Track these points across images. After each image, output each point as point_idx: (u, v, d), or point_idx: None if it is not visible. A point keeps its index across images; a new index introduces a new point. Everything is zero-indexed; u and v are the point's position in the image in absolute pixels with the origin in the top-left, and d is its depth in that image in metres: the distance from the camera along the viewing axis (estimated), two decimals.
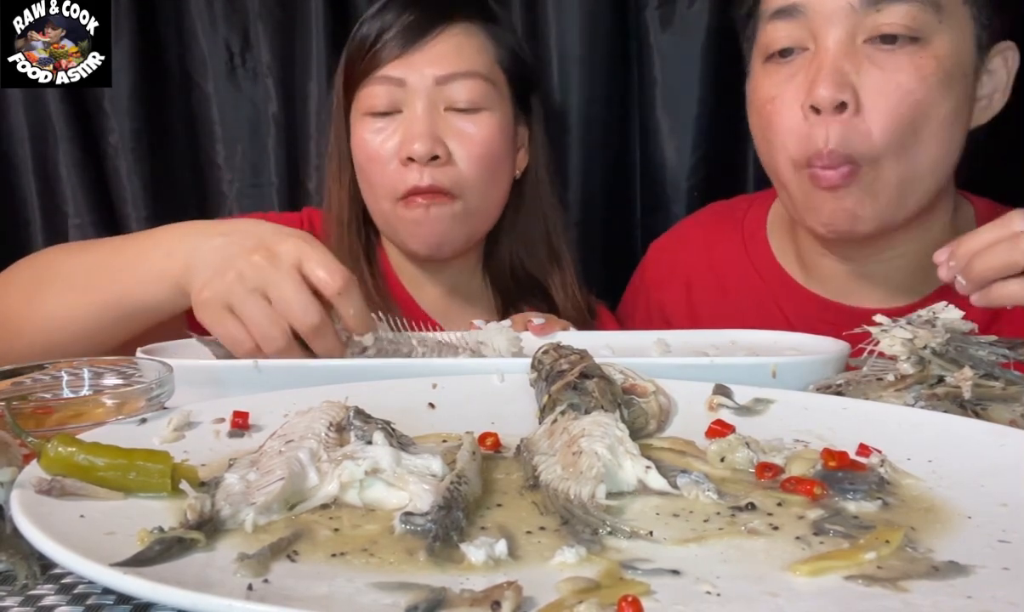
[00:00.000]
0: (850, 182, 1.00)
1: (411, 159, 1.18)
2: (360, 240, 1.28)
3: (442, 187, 1.18)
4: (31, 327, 0.99)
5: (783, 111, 1.04)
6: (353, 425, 0.60)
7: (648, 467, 0.55)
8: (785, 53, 1.04)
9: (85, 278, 0.98)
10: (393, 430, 0.61)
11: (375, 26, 1.22)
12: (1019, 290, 0.78)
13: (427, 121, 1.19)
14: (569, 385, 0.66)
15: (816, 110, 1.00)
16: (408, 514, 0.49)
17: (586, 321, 1.28)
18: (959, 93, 1.01)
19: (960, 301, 0.79)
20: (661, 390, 0.70)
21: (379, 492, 0.53)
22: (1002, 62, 1.05)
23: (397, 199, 1.20)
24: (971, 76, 1.02)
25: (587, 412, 0.62)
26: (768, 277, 1.22)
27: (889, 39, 0.98)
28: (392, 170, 1.20)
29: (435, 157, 1.18)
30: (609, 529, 0.48)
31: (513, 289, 1.30)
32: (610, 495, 0.53)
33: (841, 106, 0.98)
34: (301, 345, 0.85)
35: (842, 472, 0.56)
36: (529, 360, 0.76)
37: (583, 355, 0.73)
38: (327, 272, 0.84)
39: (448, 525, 0.47)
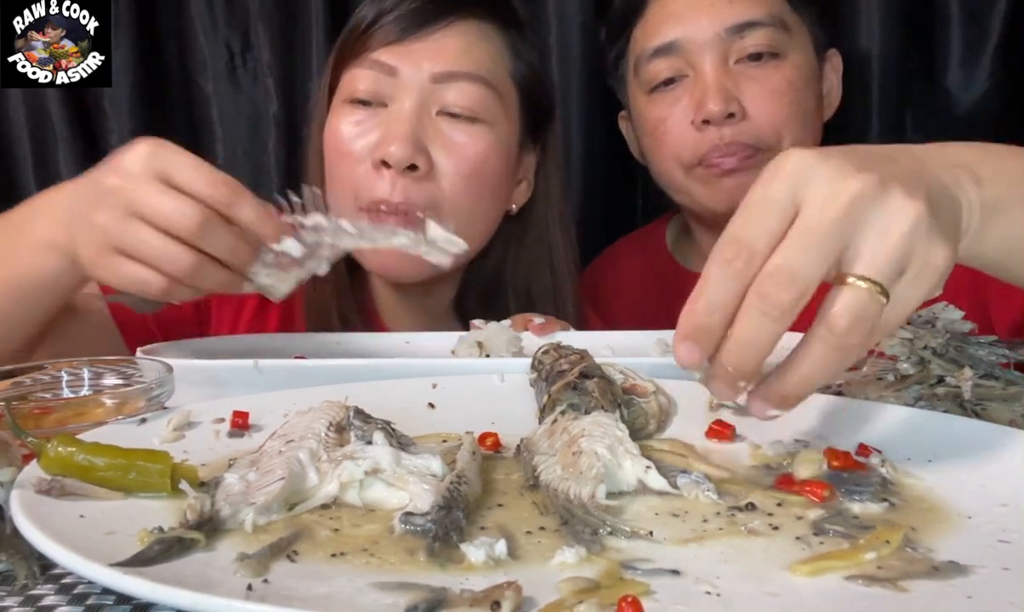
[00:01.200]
0: (749, 165, 1.17)
1: (386, 164, 1.02)
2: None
3: (415, 206, 1.00)
4: None
5: (674, 128, 1.21)
6: (353, 425, 0.60)
7: (648, 467, 0.55)
8: (668, 82, 1.22)
9: None
10: (393, 430, 0.60)
11: (374, 8, 1.08)
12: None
13: (412, 122, 1.03)
14: (569, 385, 0.66)
15: (707, 122, 1.17)
16: (408, 514, 0.49)
17: None
18: (815, 92, 1.24)
19: (957, 299, 0.75)
20: (661, 390, 0.70)
21: (379, 492, 0.52)
22: (831, 67, 1.29)
23: (359, 207, 1.02)
24: (818, 79, 1.26)
25: (587, 412, 0.62)
26: (680, 285, 1.35)
27: (755, 57, 1.18)
28: (361, 173, 1.04)
29: (414, 167, 1.02)
30: (609, 529, 0.48)
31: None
32: (610, 495, 0.53)
33: (730, 116, 1.16)
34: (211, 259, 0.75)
35: (847, 473, 0.56)
36: (529, 360, 0.76)
37: (583, 355, 0.73)
38: (204, 183, 0.74)
39: (448, 525, 0.47)
